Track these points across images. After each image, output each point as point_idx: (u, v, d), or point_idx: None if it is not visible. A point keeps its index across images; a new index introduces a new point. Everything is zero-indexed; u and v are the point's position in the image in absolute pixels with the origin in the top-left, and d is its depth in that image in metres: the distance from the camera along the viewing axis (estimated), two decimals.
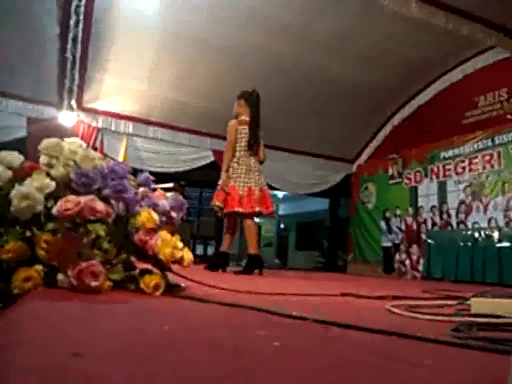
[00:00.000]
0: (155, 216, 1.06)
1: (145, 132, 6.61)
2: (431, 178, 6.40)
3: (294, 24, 5.18)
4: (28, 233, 0.90)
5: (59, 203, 0.90)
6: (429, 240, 5.75)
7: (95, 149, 6.29)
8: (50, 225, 0.90)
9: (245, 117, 3.49)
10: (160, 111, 6.47)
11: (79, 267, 0.90)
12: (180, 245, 1.12)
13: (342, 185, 8.23)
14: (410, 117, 7.07)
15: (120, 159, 6.32)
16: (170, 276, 1.07)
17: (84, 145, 1.18)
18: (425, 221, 6.41)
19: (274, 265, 13.10)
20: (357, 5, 4.70)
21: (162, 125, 6.66)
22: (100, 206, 0.95)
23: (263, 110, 6.59)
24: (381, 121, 7.43)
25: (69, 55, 5.41)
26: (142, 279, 0.97)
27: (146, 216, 1.04)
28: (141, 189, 1.23)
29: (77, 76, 5.67)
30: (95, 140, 6.32)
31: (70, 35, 5.19)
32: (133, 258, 1.03)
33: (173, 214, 1.14)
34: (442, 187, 6.22)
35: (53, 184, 0.95)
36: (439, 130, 6.30)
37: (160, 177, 8.88)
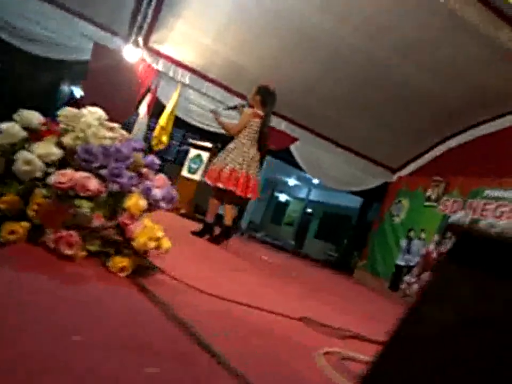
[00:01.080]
0: (143, 203, 1.14)
1: (200, 85, 6.68)
2: (467, 213, 6.14)
3: (371, 20, 4.96)
4: (25, 191, 1.01)
5: (55, 175, 1.00)
6: None
7: (149, 89, 6.46)
8: (43, 191, 1.00)
9: (260, 112, 3.51)
10: (219, 70, 6.49)
11: (59, 234, 1.00)
12: (160, 233, 1.21)
13: (379, 190, 8.07)
14: (467, 144, 6.72)
15: (170, 106, 6.48)
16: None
17: (103, 116, 1.26)
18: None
19: (288, 246, 13.24)
20: (445, 17, 4.41)
21: (217, 84, 6.70)
22: (93, 184, 1.04)
23: (321, 98, 6.51)
24: (436, 140, 7.11)
25: None
26: (111, 258, 1.07)
27: (134, 201, 1.12)
28: (145, 170, 1.31)
29: (150, 15, 5.78)
30: (152, 81, 6.47)
31: None
32: (114, 235, 1.13)
33: (162, 204, 1.22)
34: (474, 224, 5.97)
35: (58, 153, 1.04)
36: (491, 166, 5.97)
37: (204, 134, 9.06)
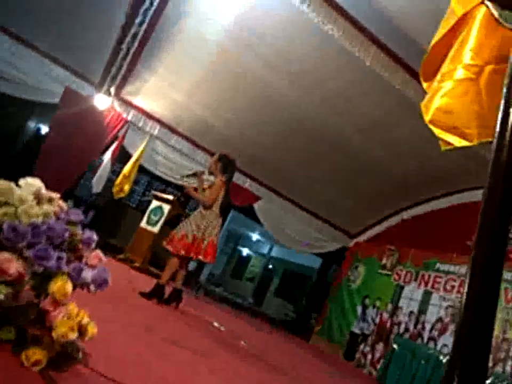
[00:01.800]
0: (69, 288, 1.07)
1: (168, 138, 6.76)
2: (419, 284, 6.28)
3: (336, 95, 5.30)
4: None
5: None
6: (394, 346, 5.59)
7: (116, 137, 6.45)
8: None
9: (222, 179, 3.60)
10: (188, 125, 6.63)
11: None
12: (85, 320, 1.13)
13: (338, 252, 8.17)
14: (420, 217, 7.03)
15: (136, 155, 6.46)
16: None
17: (43, 190, 1.21)
18: (399, 323, 6.26)
19: (247, 303, 12.92)
20: (399, 100, 4.78)
21: (185, 138, 6.80)
22: (13, 268, 0.97)
23: (286, 160, 6.72)
24: (391, 210, 7.41)
25: (124, 47, 5.65)
26: (26, 350, 0.98)
27: (59, 285, 1.06)
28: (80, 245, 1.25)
29: (124, 67, 5.90)
30: (120, 129, 6.47)
31: (132, 30, 5.43)
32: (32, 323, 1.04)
33: (92, 288, 1.15)
34: (426, 297, 6.09)
35: None
36: (442, 241, 6.22)
37: (169, 183, 8.98)
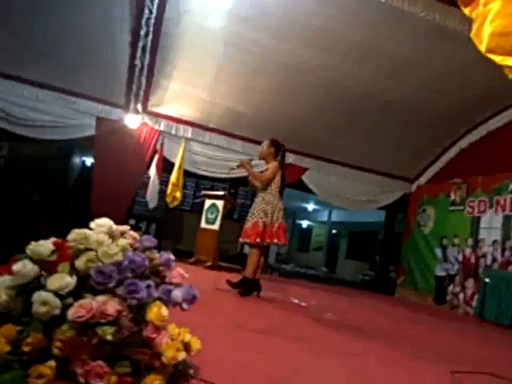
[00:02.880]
0: (165, 312, 1.11)
1: (202, 137, 6.83)
2: (496, 210, 5.94)
3: (358, 45, 5.04)
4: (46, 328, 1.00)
5: (73, 308, 0.99)
6: (486, 279, 5.37)
7: (155, 151, 6.61)
8: (65, 326, 0.99)
9: (277, 164, 3.66)
10: (218, 119, 6.64)
11: (88, 367, 0.98)
12: (187, 337, 1.18)
13: (401, 199, 7.92)
14: (479, 141, 6.59)
15: (178, 162, 6.60)
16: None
17: (114, 227, 1.26)
18: (484, 255, 5.98)
19: (321, 272, 12.99)
20: (427, 30, 4.44)
21: (218, 132, 6.84)
22: (111, 307, 1.03)
23: (324, 127, 6.56)
24: (447, 143, 7.01)
25: (138, 62, 5.74)
26: (144, 379, 1.04)
27: (156, 312, 1.10)
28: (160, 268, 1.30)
29: (144, 82, 6.00)
30: (156, 142, 6.63)
31: (140, 44, 5.49)
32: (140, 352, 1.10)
33: (185, 306, 1.19)
34: (507, 221, 5.75)
35: (72, 282, 1.04)
36: (508, 160, 5.81)
37: (214, 182, 9.16)
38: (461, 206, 6.56)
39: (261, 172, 3.72)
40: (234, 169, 3.99)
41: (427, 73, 5.35)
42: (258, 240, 3.43)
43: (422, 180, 7.67)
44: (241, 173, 4.08)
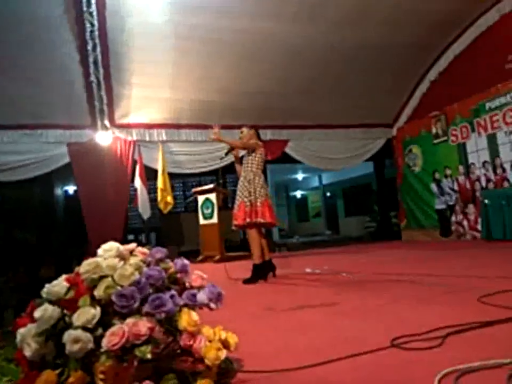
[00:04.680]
0: (195, 318, 1.11)
1: (177, 136, 6.75)
2: (479, 133, 6.01)
3: (303, 5, 4.96)
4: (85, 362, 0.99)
5: (106, 338, 0.98)
6: (486, 201, 5.48)
7: (135, 162, 6.52)
8: (103, 358, 0.98)
9: (253, 132, 3.67)
10: (188, 114, 6.55)
11: None
12: (223, 335, 1.18)
13: (385, 147, 7.98)
14: (447, 69, 6.61)
15: (160, 166, 6.52)
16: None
17: (121, 248, 1.24)
18: (478, 179, 6.09)
19: (325, 236, 13.14)
20: None
21: (192, 127, 6.75)
22: (143, 327, 1.02)
23: (290, 94, 6.49)
24: (415, 79, 7.02)
25: (93, 78, 5.59)
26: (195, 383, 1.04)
27: (187, 319, 1.10)
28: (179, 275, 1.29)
29: (104, 96, 5.87)
30: (133, 152, 6.53)
31: (90, 59, 5.34)
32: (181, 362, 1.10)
33: (212, 305, 1.19)
34: (492, 140, 5.83)
35: (97, 313, 1.02)
36: (480, 80, 5.84)
37: (200, 177, 9.11)
38: (444, 136, 6.63)
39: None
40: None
41: (379, 10, 5.29)
42: (248, 220, 3.37)
43: (401, 121, 7.71)
44: (231, 159, 4.02)
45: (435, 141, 6.81)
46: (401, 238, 7.70)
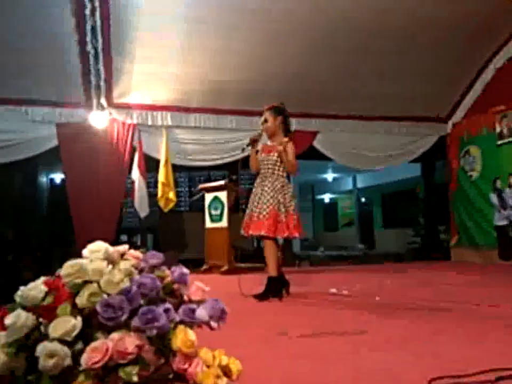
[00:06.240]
0: (192, 337, 1.12)
1: (185, 121, 6.80)
2: None
3: None
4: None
5: (86, 354, 1.00)
6: None
7: (134, 149, 6.60)
8: (81, 377, 1.00)
9: (289, 140, 3.61)
10: (200, 95, 6.59)
11: None
12: (225, 360, 1.19)
13: (436, 146, 7.89)
14: None
15: (163, 156, 6.59)
16: None
17: (110, 249, 1.27)
18: None
19: (357, 251, 13.06)
20: None
21: (203, 110, 6.80)
22: (131, 344, 1.04)
23: (322, 75, 6.48)
24: (477, 66, 6.90)
25: (89, 48, 5.68)
26: None
27: (182, 339, 1.11)
28: (176, 286, 1.31)
29: (102, 70, 5.95)
30: (132, 138, 6.61)
31: (88, 26, 5.43)
32: None
33: (213, 324, 1.20)
34: None
35: (78, 324, 1.05)
36: None
37: (211, 170, 9.15)
38: (511, 137, 6.51)
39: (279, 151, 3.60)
40: (245, 148, 3.91)
41: None
42: (279, 235, 3.47)
43: (458, 115, 7.60)
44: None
45: (499, 142, 6.70)
46: (450, 258, 7.62)
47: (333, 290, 3.86)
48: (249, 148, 3.76)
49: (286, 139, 3.57)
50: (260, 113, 3.82)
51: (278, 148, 3.54)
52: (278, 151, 3.54)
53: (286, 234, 3.49)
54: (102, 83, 6.09)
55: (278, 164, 3.59)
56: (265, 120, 3.69)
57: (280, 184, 3.56)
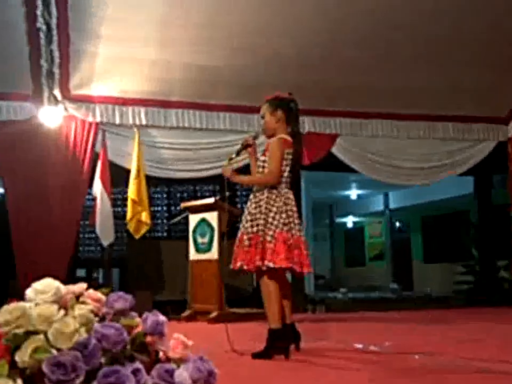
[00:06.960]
0: None
1: (164, 118, 6.85)
2: None
3: None
4: None
5: None
6: None
7: (96, 155, 6.63)
8: None
9: (286, 137, 3.60)
10: (181, 86, 6.65)
11: None
12: None
13: (493, 155, 7.93)
14: None
15: (134, 165, 6.61)
16: None
17: (62, 289, 1.27)
18: None
19: (390, 292, 13.02)
20: None
21: (186, 105, 6.86)
22: None
23: (344, 60, 6.55)
24: None
25: (41, 22, 5.74)
26: None
27: None
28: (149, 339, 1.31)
29: (57, 52, 6.00)
30: (94, 141, 6.63)
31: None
32: None
33: None
34: None
35: None
36: None
37: (197, 184, 9.11)
38: None
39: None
40: (233, 157, 3.82)
41: None
42: (296, 267, 3.43)
43: None
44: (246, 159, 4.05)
45: None
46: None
47: (358, 345, 3.85)
48: (240, 155, 3.78)
49: (277, 137, 3.56)
50: (259, 110, 3.84)
51: (224, 170, 3.66)
52: (226, 174, 3.64)
53: (306, 270, 3.51)
54: (55, 69, 6.14)
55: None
56: (262, 117, 3.71)
57: (284, 195, 3.55)
